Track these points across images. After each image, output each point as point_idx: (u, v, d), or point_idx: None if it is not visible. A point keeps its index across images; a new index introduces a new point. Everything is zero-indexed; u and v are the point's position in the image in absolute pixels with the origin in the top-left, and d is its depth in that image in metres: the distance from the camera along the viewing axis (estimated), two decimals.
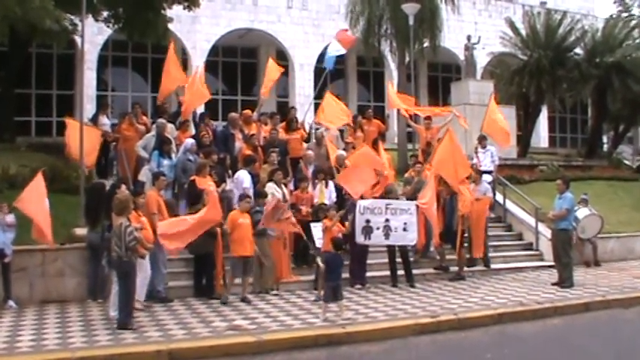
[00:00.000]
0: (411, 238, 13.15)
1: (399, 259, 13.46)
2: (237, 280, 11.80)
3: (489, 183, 16.39)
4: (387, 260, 13.60)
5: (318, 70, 26.02)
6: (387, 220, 12.93)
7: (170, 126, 15.05)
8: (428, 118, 18.02)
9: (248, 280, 11.90)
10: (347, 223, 12.67)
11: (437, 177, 14.10)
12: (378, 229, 12.89)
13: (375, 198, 13.46)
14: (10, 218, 11.29)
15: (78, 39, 17.56)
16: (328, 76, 18.45)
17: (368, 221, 12.88)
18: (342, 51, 19.00)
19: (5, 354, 8.37)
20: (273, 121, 16.70)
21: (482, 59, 29.55)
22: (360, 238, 12.86)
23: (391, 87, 18.64)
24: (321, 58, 29.44)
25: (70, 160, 14.99)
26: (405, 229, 13.00)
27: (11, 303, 11.21)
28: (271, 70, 17.73)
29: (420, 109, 19.65)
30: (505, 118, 17.73)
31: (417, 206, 13.19)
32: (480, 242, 14.58)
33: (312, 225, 12.63)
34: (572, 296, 12.29)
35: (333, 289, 10.39)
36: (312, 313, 10.63)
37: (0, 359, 8.15)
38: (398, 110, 18.75)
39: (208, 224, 11.22)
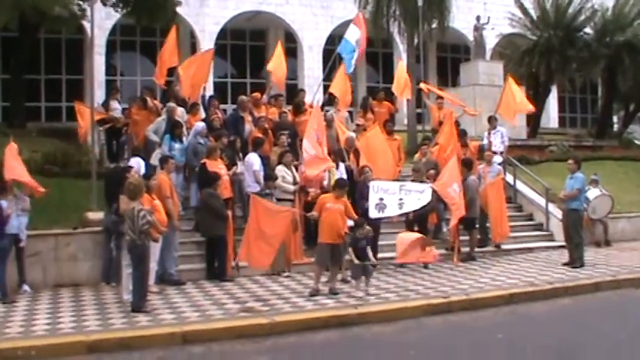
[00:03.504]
0: (424, 201, 12.85)
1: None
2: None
3: (499, 164, 16.41)
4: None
5: (327, 52, 25.90)
6: (400, 199, 12.88)
7: (180, 109, 15.09)
8: (440, 97, 18.06)
9: (336, 270, 11.24)
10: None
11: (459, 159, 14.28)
12: (392, 205, 12.87)
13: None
14: (25, 203, 11.36)
15: (86, 24, 17.57)
16: (337, 58, 18.32)
17: (381, 199, 12.83)
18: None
19: (21, 338, 8.46)
20: (277, 103, 16.71)
21: (491, 40, 29.32)
22: (373, 213, 12.77)
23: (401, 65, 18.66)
24: (330, 40, 29.47)
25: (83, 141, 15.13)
26: (418, 199, 12.96)
27: (26, 287, 11.32)
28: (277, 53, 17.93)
29: (436, 90, 19.87)
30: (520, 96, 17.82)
31: (432, 188, 13.16)
32: (504, 224, 14.73)
33: None
34: (582, 276, 12.31)
35: (364, 266, 10.66)
36: (324, 295, 10.70)
37: (17, 343, 8.23)
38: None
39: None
